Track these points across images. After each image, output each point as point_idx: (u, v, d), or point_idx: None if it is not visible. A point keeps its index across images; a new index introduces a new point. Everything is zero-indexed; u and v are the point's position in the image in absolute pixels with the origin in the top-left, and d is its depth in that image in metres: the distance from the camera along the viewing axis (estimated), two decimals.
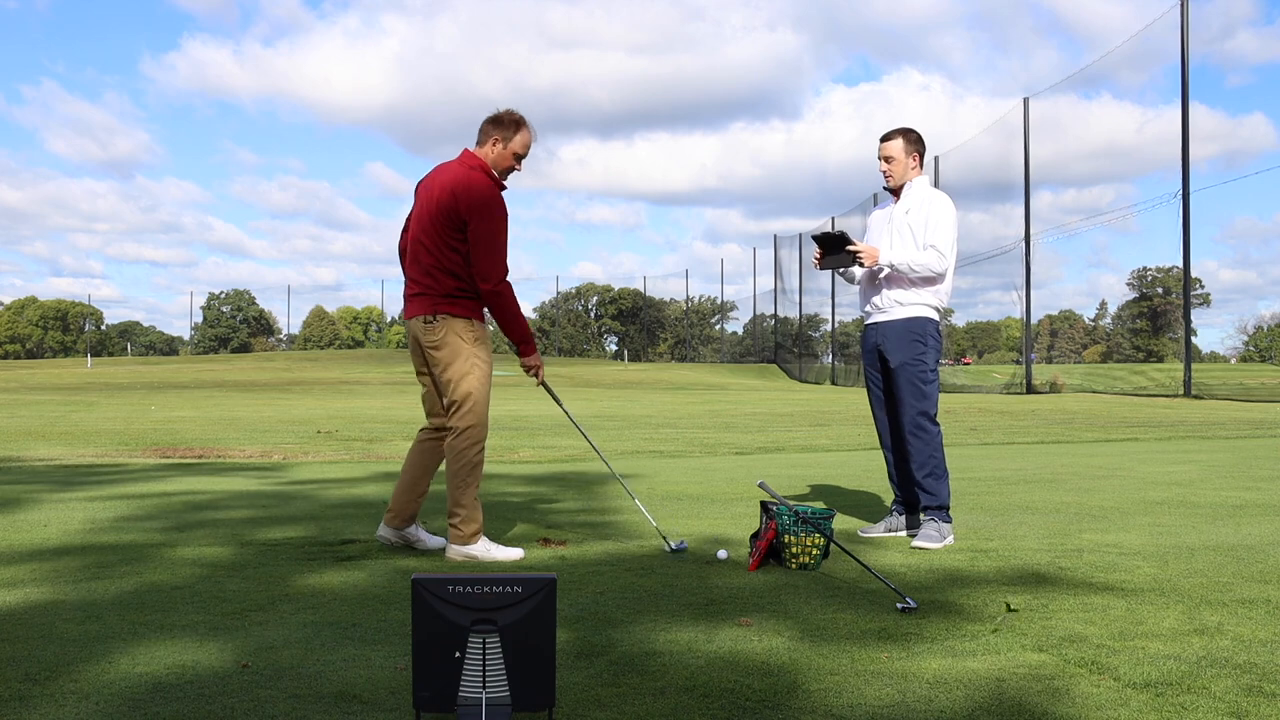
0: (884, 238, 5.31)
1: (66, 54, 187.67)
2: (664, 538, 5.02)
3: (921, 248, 5.14)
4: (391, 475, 8.54)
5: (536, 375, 5.09)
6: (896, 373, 5.21)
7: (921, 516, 5.25)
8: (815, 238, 5.41)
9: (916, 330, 5.19)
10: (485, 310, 4.87)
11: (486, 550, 4.72)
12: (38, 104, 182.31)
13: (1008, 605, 3.76)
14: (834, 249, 5.31)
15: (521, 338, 4.91)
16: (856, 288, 5.60)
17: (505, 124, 4.79)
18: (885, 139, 5.31)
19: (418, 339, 4.84)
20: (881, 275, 5.26)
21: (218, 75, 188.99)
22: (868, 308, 5.41)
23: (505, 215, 4.75)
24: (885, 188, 5.40)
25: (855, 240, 5.30)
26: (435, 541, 4.99)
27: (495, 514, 6.16)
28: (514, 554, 4.73)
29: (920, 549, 4.96)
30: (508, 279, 4.78)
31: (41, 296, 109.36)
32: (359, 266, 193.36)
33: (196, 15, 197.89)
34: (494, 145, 4.79)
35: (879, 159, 5.32)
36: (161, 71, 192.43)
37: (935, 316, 5.26)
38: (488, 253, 4.69)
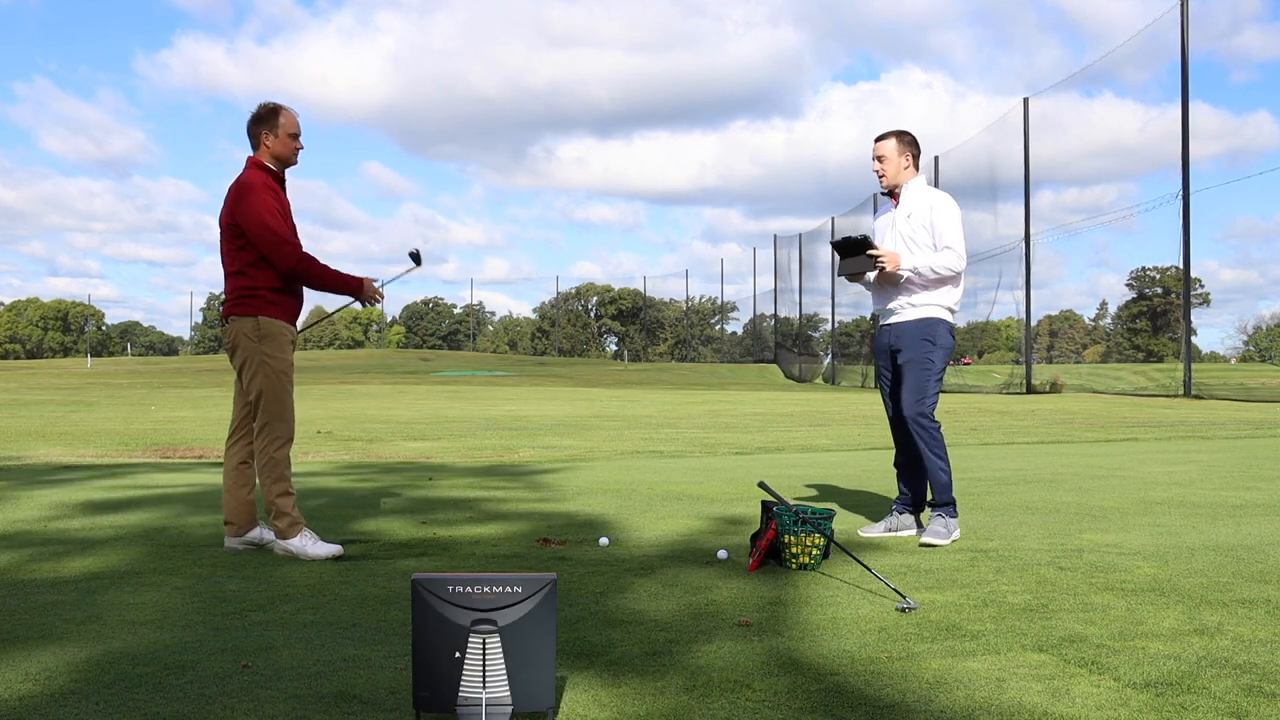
0: (893, 245, 5.31)
1: (59, 51, 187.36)
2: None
3: (936, 249, 5.16)
4: (391, 472, 8.55)
5: (373, 301, 5.09)
6: (902, 368, 5.24)
7: (929, 513, 5.28)
8: (835, 244, 5.38)
9: (927, 330, 5.22)
10: (286, 302, 4.91)
11: (302, 546, 4.77)
12: (31, 101, 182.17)
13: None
14: (853, 254, 5.28)
15: (344, 291, 4.97)
16: (856, 287, 5.62)
17: (265, 117, 4.91)
18: (879, 139, 5.34)
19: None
20: (903, 280, 5.27)
21: (212, 73, 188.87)
22: (880, 309, 5.42)
23: (264, 195, 4.79)
24: (881, 191, 5.43)
25: (877, 245, 5.28)
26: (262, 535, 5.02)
27: (496, 513, 6.17)
28: (332, 549, 4.77)
29: (928, 545, 5.01)
30: (302, 251, 4.82)
31: (39, 296, 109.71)
32: (357, 266, 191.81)
33: (189, 12, 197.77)
34: (267, 139, 4.90)
35: (872, 159, 5.34)
36: (155, 70, 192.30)
37: (948, 318, 5.28)
38: (263, 238, 4.77)
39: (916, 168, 5.35)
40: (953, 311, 5.31)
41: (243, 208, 4.78)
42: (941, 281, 5.21)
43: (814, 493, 7.23)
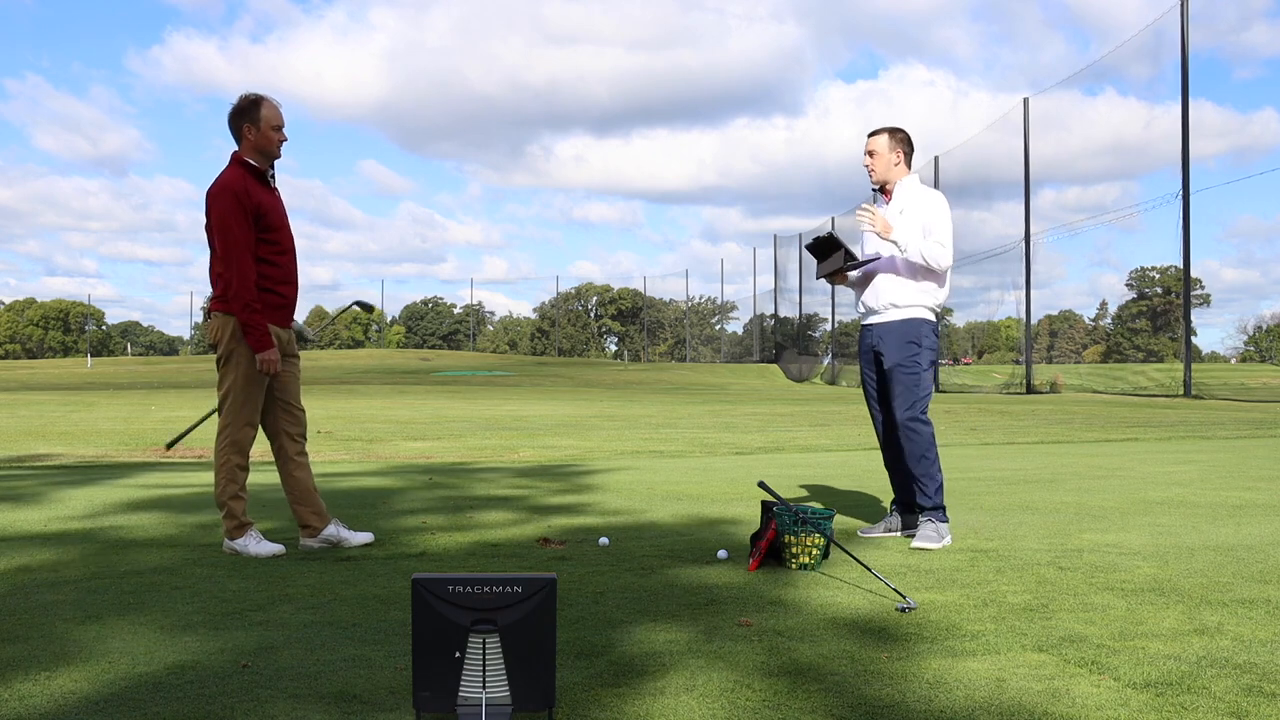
0: (880, 243, 5.31)
1: (52, 47, 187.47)
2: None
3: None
4: (392, 473, 8.55)
5: (261, 369, 4.77)
6: (890, 374, 5.22)
7: (919, 518, 5.25)
8: (808, 247, 5.41)
9: (911, 332, 5.20)
10: (270, 300, 4.84)
11: (245, 545, 4.80)
12: (24, 99, 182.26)
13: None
14: (827, 253, 5.30)
15: (247, 337, 4.72)
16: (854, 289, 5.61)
17: (246, 109, 4.85)
18: (870, 135, 5.35)
19: None
20: (875, 277, 5.27)
21: (205, 71, 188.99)
22: (862, 309, 5.41)
23: (230, 201, 4.69)
24: (872, 187, 5.43)
25: (845, 242, 5.30)
26: (360, 537, 5.05)
27: (496, 513, 6.17)
28: (275, 549, 4.82)
29: (920, 549, 4.96)
30: (243, 276, 4.64)
31: (37, 296, 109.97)
32: (355, 265, 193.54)
33: (181, 9, 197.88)
34: (249, 132, 4.84)
35: (864, 154, 5.36)
36: (147, 67, 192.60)
37: (931, 318, 5.27)
38: (223, 254, 4.72)
39: (908, 166, 5.34)
40: (936, 312, 5.30)
41: (210, 209, 4.76)
42: (925, 276, 5.20)
43: (814, 493, 7.23)
